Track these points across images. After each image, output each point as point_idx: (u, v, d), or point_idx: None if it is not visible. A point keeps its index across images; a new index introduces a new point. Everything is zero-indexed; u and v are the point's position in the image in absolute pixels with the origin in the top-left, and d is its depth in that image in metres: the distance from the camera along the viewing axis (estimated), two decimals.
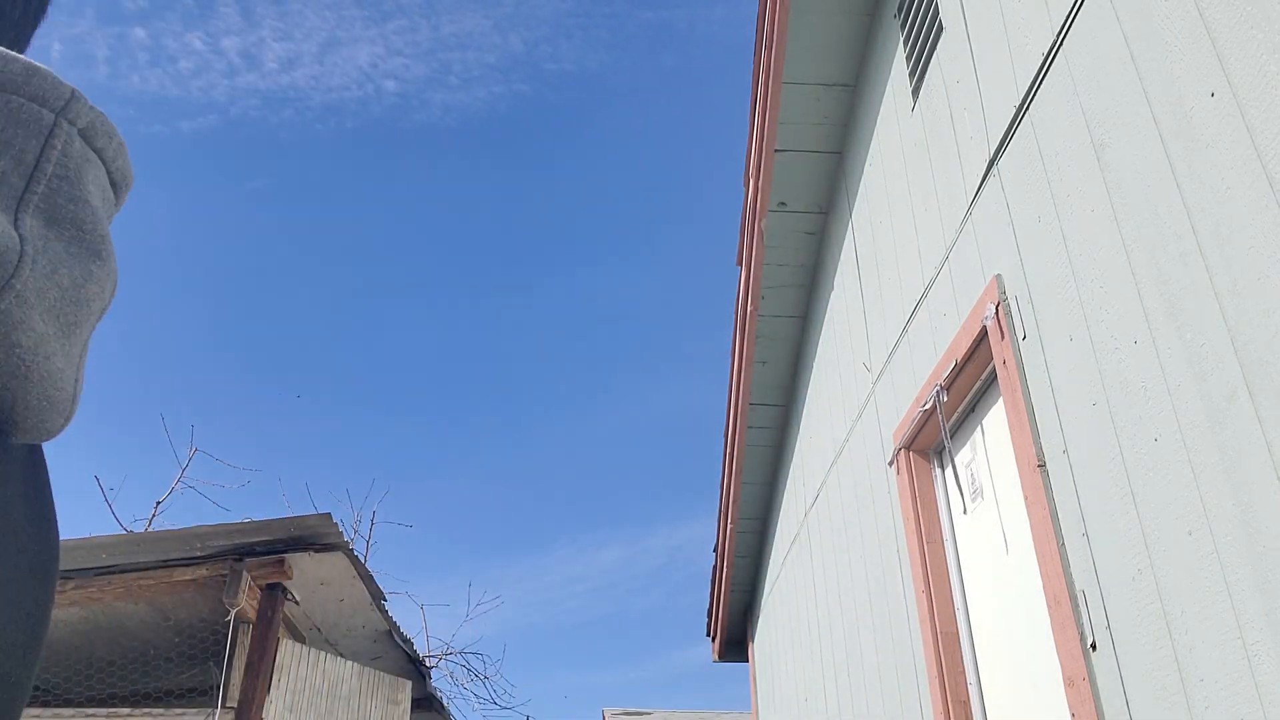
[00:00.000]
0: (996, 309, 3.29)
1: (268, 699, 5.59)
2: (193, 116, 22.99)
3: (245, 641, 5.75)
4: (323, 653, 6.33)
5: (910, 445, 4.18)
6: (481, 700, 13.48)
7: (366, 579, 6.40)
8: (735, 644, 8.87)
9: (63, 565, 5.62)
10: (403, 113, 25.27)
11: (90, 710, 5.53)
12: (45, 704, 7.18)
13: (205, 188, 24.82)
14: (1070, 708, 2.78)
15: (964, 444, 3.91)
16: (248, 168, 25.23)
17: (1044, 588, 2.95)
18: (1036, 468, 3.02)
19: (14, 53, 0.52)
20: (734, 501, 7.41)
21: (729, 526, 7.64)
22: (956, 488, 4.00)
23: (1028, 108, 3.14)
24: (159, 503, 10.92)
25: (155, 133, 22.66)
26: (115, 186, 0.57)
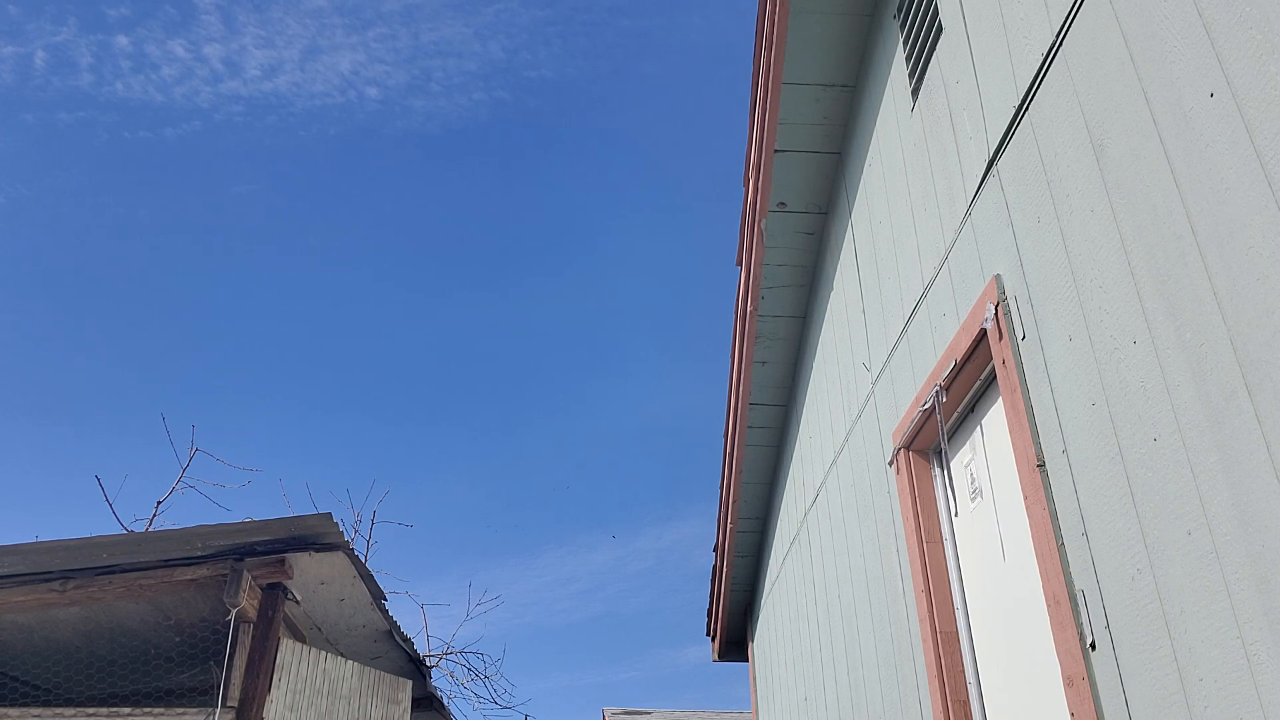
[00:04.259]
0: (996, 309, 3.29)
1: (268, 698, 5.59)
2: (177, 123, 23.02)
3: (246, 641, 5.75)
4: (323, 652, 6.33)
5: (910, 445, 4.18)
6: (481, 700, 13.48)
7: (367, 579, 6.41)
8: (735, 644, 8.87)
9: (64, 565, 5.63)
10: (385, 119, 25.35)
11: (91, 710, 5.53)
12: (46, 703, 7.18)
13: (191, 193, 24.88)
14: (1070, 707, 2.78)
15: (964, 444, 3.92)
16: (233, 173, 25.28)
17: (1043, 587, 2.95)
18: (1036, 468, 3.02)
19: None
20: (734, 501, 7.41)
21: (729, 526, 7.64)
22: (951, 489, 4.01)
23: (1027, 108, 3.15)
24: (160, 502, 10.91)
25: (140, 139, 22.69)
26: None
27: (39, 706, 5.57)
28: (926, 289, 3.99)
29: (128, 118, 23.95)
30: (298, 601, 6.19)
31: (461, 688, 11.45)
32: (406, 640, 7.41)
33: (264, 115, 25.34)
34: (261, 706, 5.53)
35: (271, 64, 24.26)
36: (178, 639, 6.76)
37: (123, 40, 22.99)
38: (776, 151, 5.33)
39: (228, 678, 5.62)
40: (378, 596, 6.63)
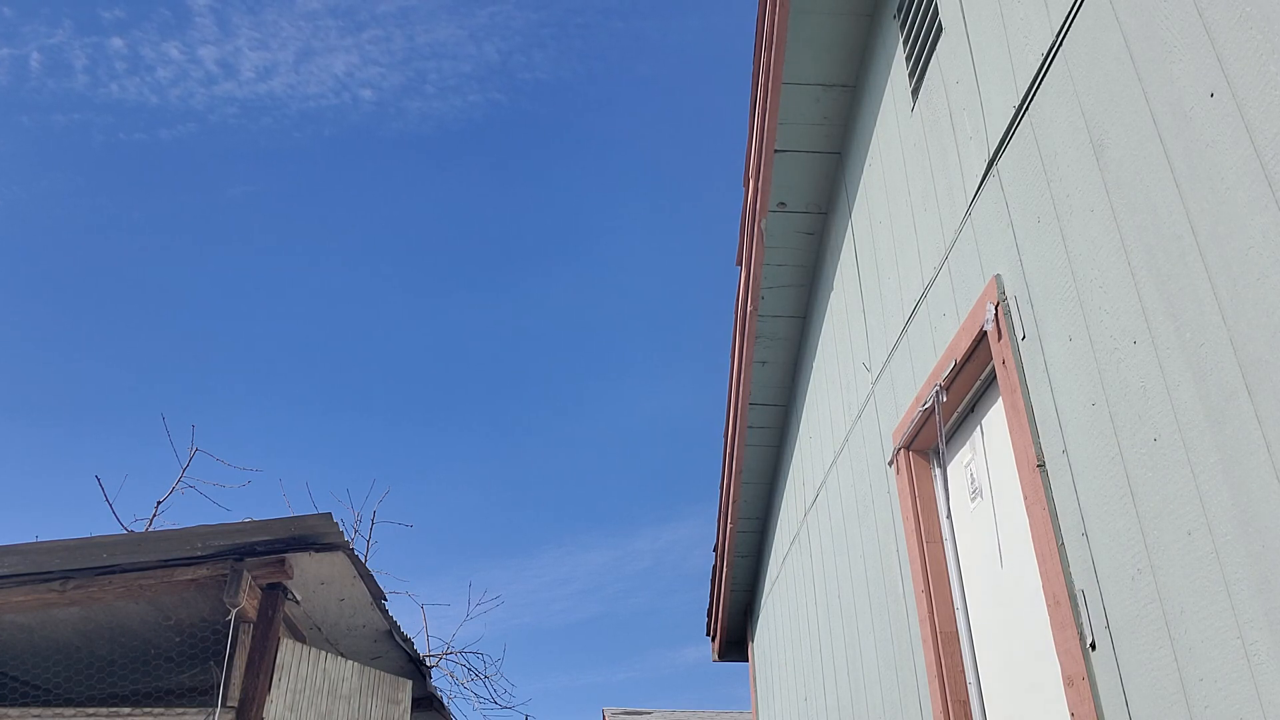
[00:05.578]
0: (996, 309, 3.29)
1: (268, 698, 5.59)
2: (172, 124, 23.05)
3: (246, 641, 5.75)
4: (323, 652, 6.33)
5: (910, 445, 4.18)
6: (481, 700, 13.48)
7: (367, 578, 6.41)
8: (735, 644, 8.87)
9: (64, 565, 5.63)
10: (380, 121, 25.39)
11: (91, 710, 5.53)
12: (46, 703, 7.18)
13: (187, 194, 24.91)
14: (1070, 707, 2.78)
15: (964, 444, 3.92)
16: (229, 174, 25.31)
17: (1043, 587, 2.95)
18: (1036, 468, 3.02)
19: None
20: (734, 501, 7.41)
21: (729, 526, 7.64)
22: (946, 489, 4.01)
23: (1027, 108, 3.15)
24: (160, 502, 10.90)
25: (135, 140, 22.73)
26: None
27: (39, 706, 5.57)
28: (926, 289, 3.99)
29: (123, 119, 24.01)
30: (298, 601, 6.19)
31: (461, 688, 11.45)
32: (406, 640, 7.41)
33: (259, 117, 25.40)
34: (261, 706, 5.52)
35: (266, 66, 24.31)
36: (178, 639, 6.76)
37: (118, 42, 23.05)
38: (776, 151, 5.33)
39: (228, 678, 5.62)
40: (378, 596, 6.63)
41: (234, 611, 5.60)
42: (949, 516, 4.05)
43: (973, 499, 3.83)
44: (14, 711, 5.48)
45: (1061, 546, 2.88)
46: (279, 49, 24.12)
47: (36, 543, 5.57)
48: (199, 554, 5.71)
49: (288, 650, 5.91)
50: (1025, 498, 3.09)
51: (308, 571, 6.15)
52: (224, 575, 5.75)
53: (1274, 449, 2.00)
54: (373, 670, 6.81)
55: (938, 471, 4.15)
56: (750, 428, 6.87)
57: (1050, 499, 2.96)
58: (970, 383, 3.71)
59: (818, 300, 5.86)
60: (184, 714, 5.52)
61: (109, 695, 7.35)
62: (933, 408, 3.84)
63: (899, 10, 4.38)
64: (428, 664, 8.20)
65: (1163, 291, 2.40)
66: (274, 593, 5.91)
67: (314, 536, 5.79)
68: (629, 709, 15.84)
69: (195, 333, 25.49)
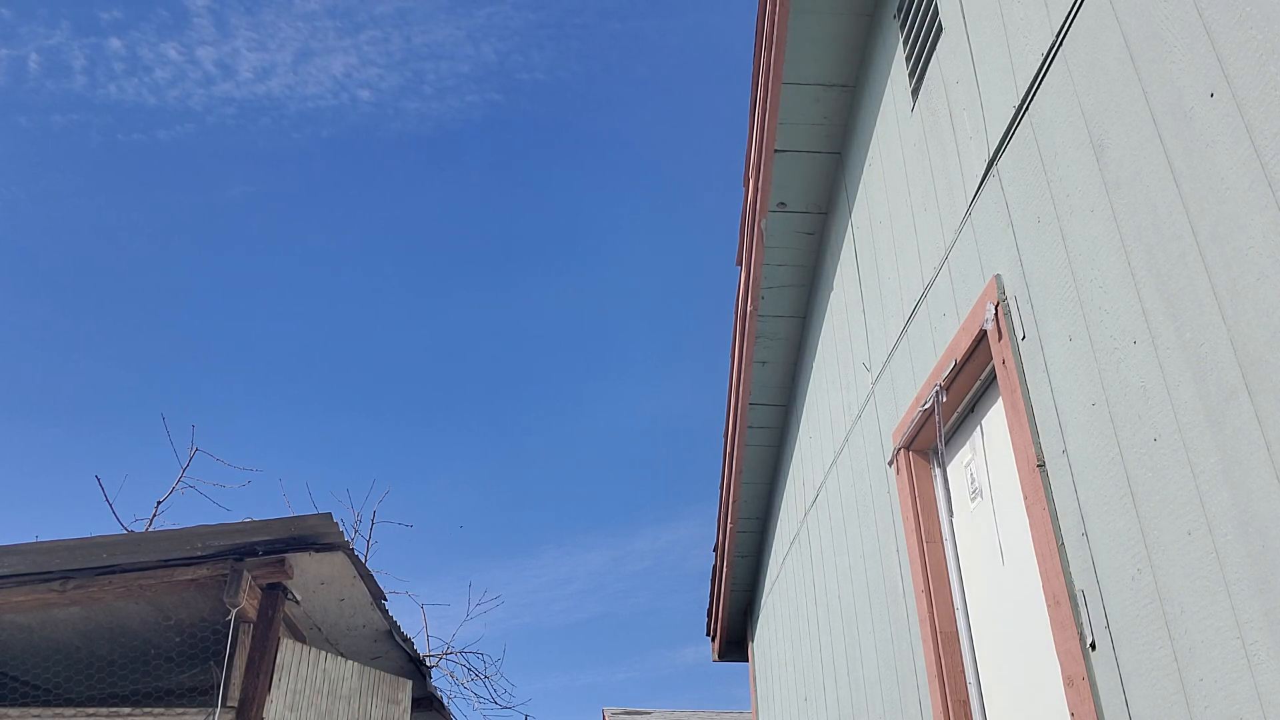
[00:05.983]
0: (996, 309, 3.29)
1: (268, 698, 5.59)
2: (170, 125, 23.07)
3: (246, 641, 5.75)
4: (323, 652, 6.33)
5: (910, 445, 4.18)
6: (481, 700, 13.48)
7: (367, 578, 6.41)
8: (735, 644, 8.87)
9: (64, 565, 5.63)
10: (378, 121, 25.42)
11: (91, 710, 5.53)
12: (46, 703, 7.18)
13: (186, 195, 24.93)
14: (1070, 707, 2.78)
15: (964, 444, 3.92)
16: (227, 175, 25.33)
17: (1043, 587, 2.95)
18: (1036, 468, 3.02)
19: None
20: (734, 501, 7.41)
21: (729, 526, 7.64)
22: (946, 489, 4.01)
23: (1027, 108, 3.15)
24: (160, 502, 10.90)
25: (134, 141, 22.74)
26: None
27: (39, 706, 5.57)
28: (926, 289, 3.99)
29: (121, 120, 24.04)
30: (298, 601, 6.19)
31: (461, 688, 11.45)
32: (406, 640, 7.41)
33: (257, 117, 25.44)
34: (261, 706, 5.53)
35: (264, 66, 24.35)
36: (178, 639, 6.76)
37: (115, 43, 23.08)
38: (776, 151, 5.33)
39: (228, 678, 5.62)
40: (378, 596, 6.63)
41: (234, 611, 5.60)
42: (949, 516, 4.05)
43: (973, 499, 3.83)
44: (14, 711, 5.48)
45: (1061, 546, 2.88)
46: (277, 50, 24.16)
47: (36, 543, 5.57)
48: (199, 554, 5.71)
49: (288, 650, 5.91)
50: (1025, 498, 3.09)
51: (308, 571, 6.15)
52: (224, 575, 5.75)
53: (1274, 449, 2.00)
54: (373, 670, 6.81)
55: (938, 471, 4.15)
56: (750, 428, 6.87)
57: (1050, 499, 2.96)
58: (970, 383, 3.71)
59: (818, 300, 5.86)
60: (184, 714, 5.52)
61: (109, 695, 7.35)
62: (933, 408, 3.84)
63: (899, 10, 4.38)
64: (428, 664, 8.20)
65: (1163, 291, 2.40)
66: (274, 593, 5.91)
67: (314, 536, 5.79)
68: (629, 709, 15.84)
69: (195, 333, 25.48)
